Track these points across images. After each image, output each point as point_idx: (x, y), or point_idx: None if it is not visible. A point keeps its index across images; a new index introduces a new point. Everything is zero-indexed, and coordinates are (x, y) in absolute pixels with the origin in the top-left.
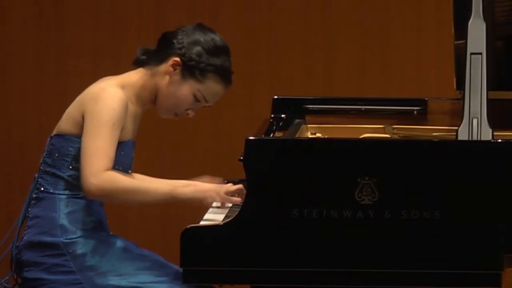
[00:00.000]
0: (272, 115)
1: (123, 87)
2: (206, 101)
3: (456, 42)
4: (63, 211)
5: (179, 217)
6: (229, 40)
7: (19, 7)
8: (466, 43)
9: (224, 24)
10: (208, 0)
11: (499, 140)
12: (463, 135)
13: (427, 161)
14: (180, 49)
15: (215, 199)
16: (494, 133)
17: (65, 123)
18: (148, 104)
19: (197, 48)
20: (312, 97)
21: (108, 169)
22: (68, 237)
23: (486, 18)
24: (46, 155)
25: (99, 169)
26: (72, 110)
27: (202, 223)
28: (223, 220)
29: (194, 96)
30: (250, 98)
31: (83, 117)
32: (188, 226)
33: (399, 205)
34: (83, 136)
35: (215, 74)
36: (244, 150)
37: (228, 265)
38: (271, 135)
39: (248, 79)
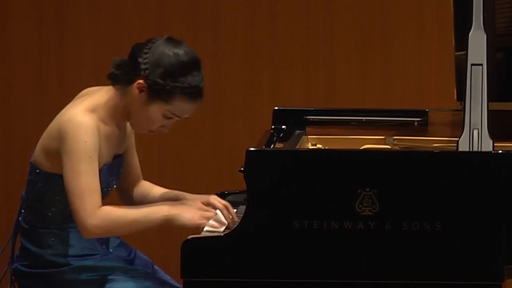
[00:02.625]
0: (273, 126)
1: (93, 110)
2: (178, 117)
3: (456, 53)
4: (51, 246)
5: (180, 227)
6: (230, 51)
7: (21, 15)
8: (466, 54)
9: (225, 37)
10: (209, 11)
11: (500, 151)
12: (463, 146)
13: (427, 172)
14: (144, 70)
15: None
16: (495, 144)
17: (41, 156)
18: (124, 122)
19: (160, 70)
20: (312, 108)
21: (99, 205)
22: (58, 268)
23: (486, 29)
24: (28, 184)
25: (93, 208)
26: (46, 142)
27: (203, 234)
28: (224, 231)
29: (163, 115)
30: (251, 109)
31: (58, 152)
32: (189, 237)
33: (399, 216)
34: (64, 174)
35: (182, 94)
36: (245, 161)
37: (229, 276)
38: (272, 146)
39: (248, 90)
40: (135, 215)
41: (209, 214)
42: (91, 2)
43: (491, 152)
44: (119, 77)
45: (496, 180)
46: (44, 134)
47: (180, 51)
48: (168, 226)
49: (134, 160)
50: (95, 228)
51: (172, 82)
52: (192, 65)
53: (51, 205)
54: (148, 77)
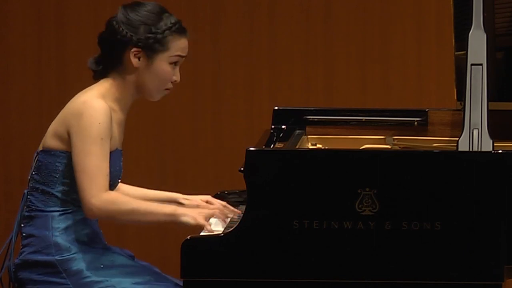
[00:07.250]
0: (273, 126)
1: (104, 96)
2: (182, 56)
3: (456, 53)
4: (56, 228)
5: (179, 227)
6: (229, 51)
7: (20, 15)
8: (466, 54)
9: (225, 37)
10: (209, 11)
11: (500, 151)
12: (463, 146)
13: (427, 172)
14: (129, 38)
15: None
16: (495, 144)
17: (50, 139)
18: (129, 106)
19: (142, 28)
20: (312, 108)
21: (106, 187)
22: (62, 255)
23: (486, 29)
24: (34, 171)
25: (99, 189)
26: (56, 126)
27: (202, 233)
28: (223, 230)
29: (170, 63)
30: (251, 109)
31: (68, 133)
32: (188, 237)
33: (399, 216)
34: (73, 154)
35: (172, 34)
36: (244, 161)
37: (229, 276)
38: (272, 146)
39: (248, 89)
40: (139, 205)
41: (209, 212)
42: (91, 2)
43: (491, 152)
44: (108, 66)
45: (496, 180)
46: (54, 122)
47: (146, 6)
48: (170, 222)
49: None
50: (98, 209)
51: (157, 29)
52: (160, 9)
53: (58, 185)
54: (138, 41)
